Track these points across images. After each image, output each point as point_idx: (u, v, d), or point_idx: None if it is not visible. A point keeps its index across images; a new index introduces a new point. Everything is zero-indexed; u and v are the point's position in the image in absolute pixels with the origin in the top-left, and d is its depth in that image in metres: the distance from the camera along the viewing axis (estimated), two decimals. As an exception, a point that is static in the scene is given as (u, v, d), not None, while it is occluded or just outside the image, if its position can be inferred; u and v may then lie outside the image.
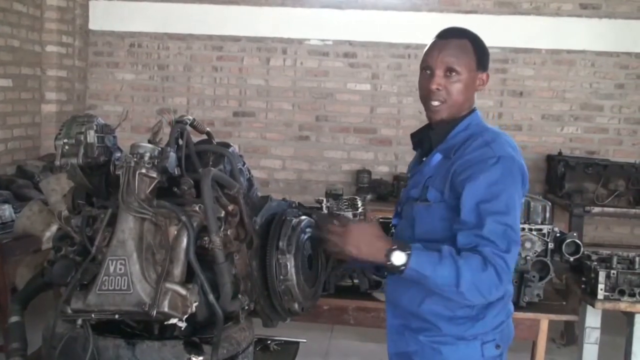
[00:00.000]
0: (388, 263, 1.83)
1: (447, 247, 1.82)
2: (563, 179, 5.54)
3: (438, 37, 2.03)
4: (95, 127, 1.88)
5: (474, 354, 1.95)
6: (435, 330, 1.96)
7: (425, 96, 2.01)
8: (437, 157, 2.00)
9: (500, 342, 1.98)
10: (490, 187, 1.86)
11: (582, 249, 3.00)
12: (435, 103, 1.99)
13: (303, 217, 2.09)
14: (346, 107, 6.36)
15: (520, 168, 1.94)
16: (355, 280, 2.89)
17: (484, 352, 1.95)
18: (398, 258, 1.82)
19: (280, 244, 1.97)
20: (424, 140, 2.09)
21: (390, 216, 3.04)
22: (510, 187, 1.88)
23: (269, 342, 2.57)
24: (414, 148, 2.17)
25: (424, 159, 2.08)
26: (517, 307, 2.82)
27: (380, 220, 3.05)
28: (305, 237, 2.07)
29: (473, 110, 2.05)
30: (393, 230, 2.17)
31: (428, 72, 2.00)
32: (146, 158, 1.78)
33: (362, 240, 1.87)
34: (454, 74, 1.97)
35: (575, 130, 6.23)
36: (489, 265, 1.79)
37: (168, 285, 1.70)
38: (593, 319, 3.25)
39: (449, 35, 2.02)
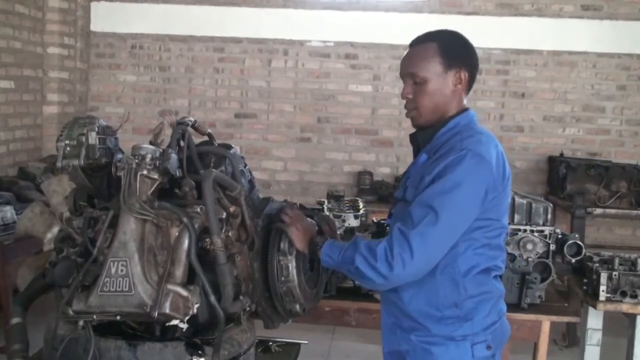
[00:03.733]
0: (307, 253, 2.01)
1: (359, 236, 1.93)
2: (565, 180, 5.54)
3: (408, 46, 2.07)
4: (96, 128, 1.88)
5: (464, 354, 1.94)
6: (425, 330, 1.96)
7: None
8: (422, 157, 2.00)
9: (492, 342, 1.98)
10: (441, 171, 1.85)
11: (583, 251, 2.99)
12: (408, 112, 2.05)
13: (304, 219, 2.09)
14: (347, 109, 6.36)
15: (487, 168, 1.87)
16: (357, 282, 2.89)
17: (474, 353, 1.94)
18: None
19: (282, 245, 1.97)
20: (414, 140, 2.11)
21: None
22: (456, 174, 1.83)
23: (270, 343, 2.57)
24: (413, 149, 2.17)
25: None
26: (519, 308, 2.82)
27: (381, 221, 3.05)
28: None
29: (464, 111, 2.03)
30: (388, 230, 2.15)
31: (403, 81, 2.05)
32: (148, 159, 1.78)
33: (297, 234, 2.01)
34: (419, 81, 1.99)
35: (576, 132, 6.23)
36: (386, 239, 1.84)
37: (169, 286, 1.70)
38: (595, 320, 3.24)
39: (415, 42, 2.05)
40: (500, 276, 2.07)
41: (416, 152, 2.09)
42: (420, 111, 2.02)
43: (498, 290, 2.04)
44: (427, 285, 1.94)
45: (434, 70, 1.98)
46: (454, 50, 2.00)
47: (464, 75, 2.00)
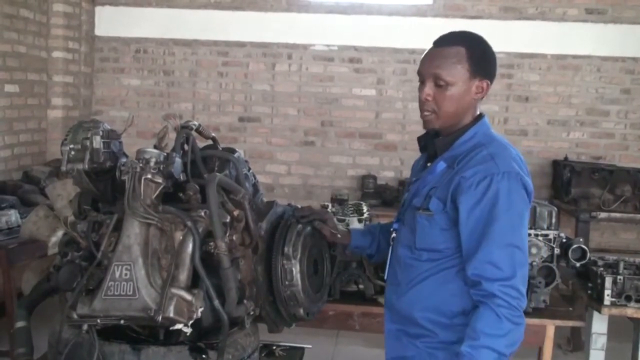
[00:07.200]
0: None
1: (462, 346, 1.82)
2: (569, 184, 5.53)
3: (433, 45, 1.99)
4: (101, 132, 1.88)
5: None
6: (433, 336, 1.96)
7: (419, 105, 2.00)
8: (440, 165, 1.98)
9: None
10: (494, 207, 1.83)
11: (588, 255, 2.99)
12: (426, 113, 1.99)
13: (308, 223, 2.09)
14: (351, 113, 6.36)
15: (525, 184, 1.90)
16: (361, 286, 2.88)
17: None
18: None
19: (286, 249, 1.97)
20: (429, 146, 2.08)
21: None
22: (515, 204, 1.85)
23: (274, 347, 2.57)
24: (421, 151, 2.15)
25: (428, 164, 2.07)
26: (524, 313, 2.81)
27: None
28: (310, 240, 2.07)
29: (480, 118, 2.01)
30: (394, 235, 2.13)
31: (421, 81, 1.98)
32: (152, 163, 1.78)
33: None
34: (443, 84, 1.93)
35: (581, 136, 6.22)
36: (500, 309, 1.80)
37: (173, 290, 1.70)
38: (599, 324, 3.23)
39: (442, 42, 1.98)
40: None
41: (430, 157, 2.07)
42: (440, 114, 1.97)
43: None
44: (436, 295, 1.94)
45: (460, 76, 1.93)
46: (481, 59, 1.97)
47: (486, 85, 1.97)
